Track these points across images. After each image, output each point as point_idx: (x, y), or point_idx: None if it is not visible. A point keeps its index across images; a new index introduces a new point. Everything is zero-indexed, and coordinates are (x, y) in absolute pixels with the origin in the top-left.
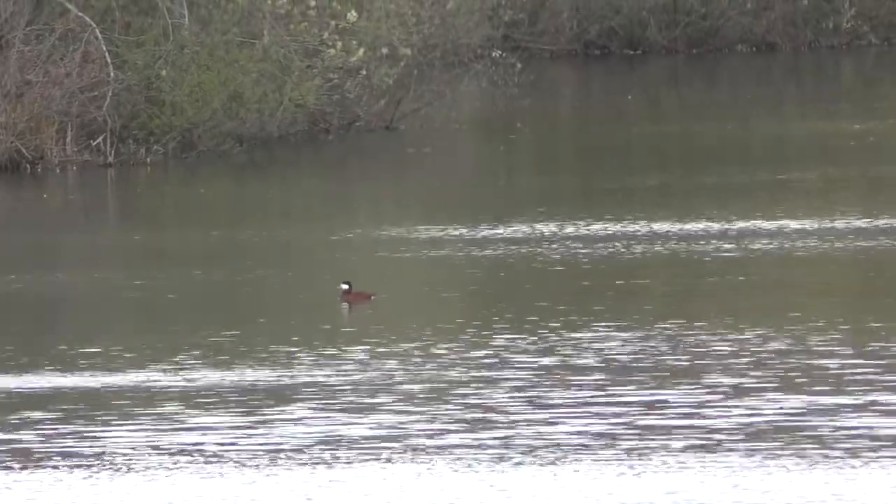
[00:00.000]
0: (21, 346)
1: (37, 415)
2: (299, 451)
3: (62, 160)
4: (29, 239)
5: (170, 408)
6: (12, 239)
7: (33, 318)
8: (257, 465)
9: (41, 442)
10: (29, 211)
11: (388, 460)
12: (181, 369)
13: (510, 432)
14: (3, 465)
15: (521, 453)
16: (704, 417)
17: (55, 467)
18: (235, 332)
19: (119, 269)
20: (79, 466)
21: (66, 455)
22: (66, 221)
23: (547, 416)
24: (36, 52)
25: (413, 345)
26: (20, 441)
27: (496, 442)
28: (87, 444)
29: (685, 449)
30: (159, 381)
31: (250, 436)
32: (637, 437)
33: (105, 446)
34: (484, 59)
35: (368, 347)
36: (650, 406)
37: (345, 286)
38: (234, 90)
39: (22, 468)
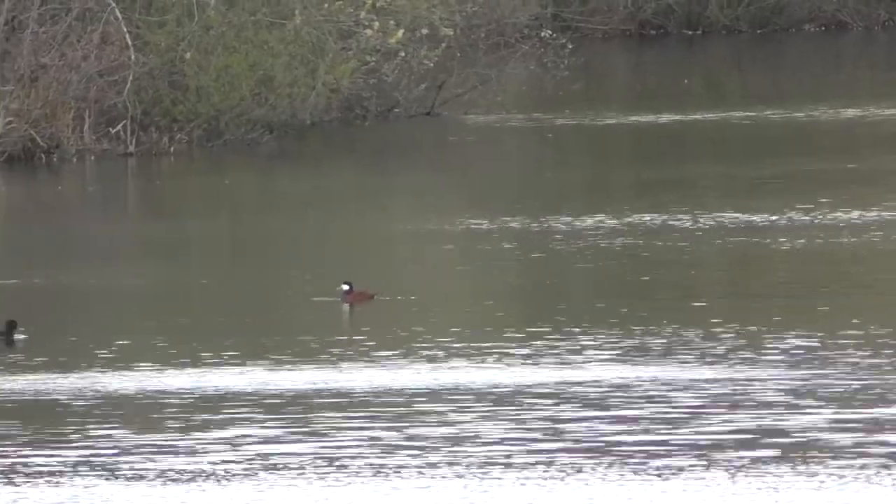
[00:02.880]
0: (78, 342)
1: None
2: (355, 458)
3: (79, 149)
4: (44, 233)
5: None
6: (27, 234)
7: (58, 313)
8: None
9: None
10: (44, 204)
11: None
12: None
13: (564, 441)
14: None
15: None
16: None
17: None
18: (260, 331)
19: (138, 264)
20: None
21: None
22: (84, 214)
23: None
24: (51, 34)
25: (461, 344)
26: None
27: (550, 449)
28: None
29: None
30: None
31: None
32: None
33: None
34: (531, 40)
35: (407, 349)
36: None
37: (345, 287)
38: (264, 74)
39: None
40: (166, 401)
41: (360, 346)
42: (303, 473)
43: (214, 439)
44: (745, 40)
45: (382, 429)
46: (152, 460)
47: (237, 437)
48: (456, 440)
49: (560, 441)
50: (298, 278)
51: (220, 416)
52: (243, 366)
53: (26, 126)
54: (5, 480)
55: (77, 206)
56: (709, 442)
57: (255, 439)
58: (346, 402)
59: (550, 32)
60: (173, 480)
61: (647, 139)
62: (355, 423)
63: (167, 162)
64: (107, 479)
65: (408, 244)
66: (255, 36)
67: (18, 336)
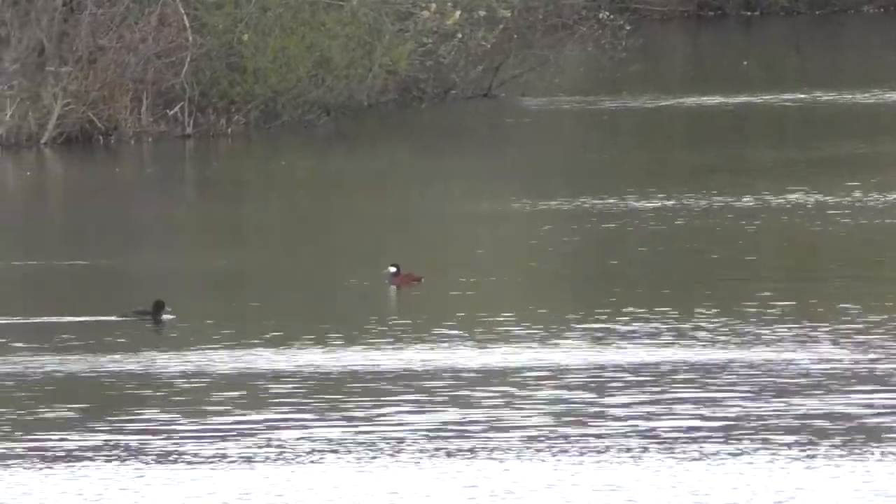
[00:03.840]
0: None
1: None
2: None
3: (137, 131)
4: (103, 215)
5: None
6: (86, 215)
7: (124, 294)
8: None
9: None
10: (102, 185)
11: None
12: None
13: (619, 423)
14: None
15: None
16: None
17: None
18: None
19: (197, 246)
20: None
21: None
22: (141, 196)
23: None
24: (109, 16)
25: (507, 328)
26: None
27: (606, 433)
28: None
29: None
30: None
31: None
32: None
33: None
34: (589, 22)
35: (476, 330)
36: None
37: (392, 269)
38: (321, 56)
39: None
40: (224, 381)
41: (403, 329)
42: (348, 456)
43: (263, 420)
44: (804, 22)
45: (424, 412)
46: (221, 441)
47: (282, 419)
48: (500, 424)
49: (612, 424)
50: (351, 260)
51: (266, 396)
52: (291, 347)
53: (84, 108)
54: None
55: (135, 188)
56: (769, 425)
57: (294, 422)
58: (387, 385)
59: (608, 14)
60: (247, 461)
61: (705, 121)
62: (398, 408)
63: (224, 144)
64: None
65: (461, 226)
66: (312, 17)
67: (166, 316)
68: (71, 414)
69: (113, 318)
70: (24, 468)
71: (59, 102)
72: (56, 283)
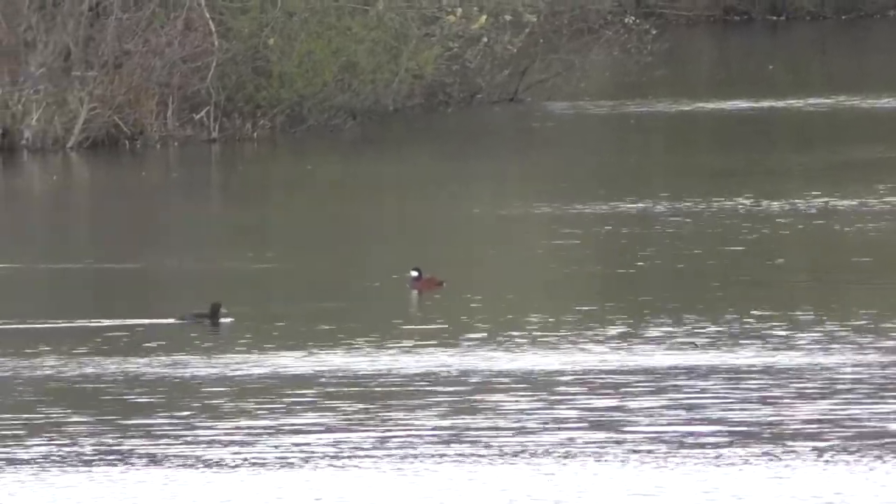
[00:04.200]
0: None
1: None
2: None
3: (163, 135)
4: (128, 219)
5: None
6: (111, 219)
7: (152, 297)
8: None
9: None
10: (128, 189)
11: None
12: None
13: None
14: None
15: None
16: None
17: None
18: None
19: (223, 249)
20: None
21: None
22: (168, 200)
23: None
24: (135, 20)
25: (526, 332)
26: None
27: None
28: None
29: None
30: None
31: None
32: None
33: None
34: (615, 26)
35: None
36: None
37: (414, 273)
38: (347, 60)
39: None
40: (261, 385)
41: (422, 334)
42: (378, 461)
43: (287, 425)
44: (830, 26)
45: (444, 416)
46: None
47: (305, 424)
48: (528, 428)
49: (643, 428)
50: (375, 264)
51: (291, 401)
52: (312, 351)
53: (110, 112)
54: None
55: (161, 192)
56: (803, 430)
57: (316, 427)
58: (411, 389)
59: (634, 18)
60: (290, 463)
61: (730, 125)
62: (425, 412)
63: (250, 148)
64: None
65: (486, 230)
66: (338, 22)
67: (224, 319)
68: (159, 419)
69: (171, 320)
70: (81, 470)
71: (86, 107)
72: (93, 287)
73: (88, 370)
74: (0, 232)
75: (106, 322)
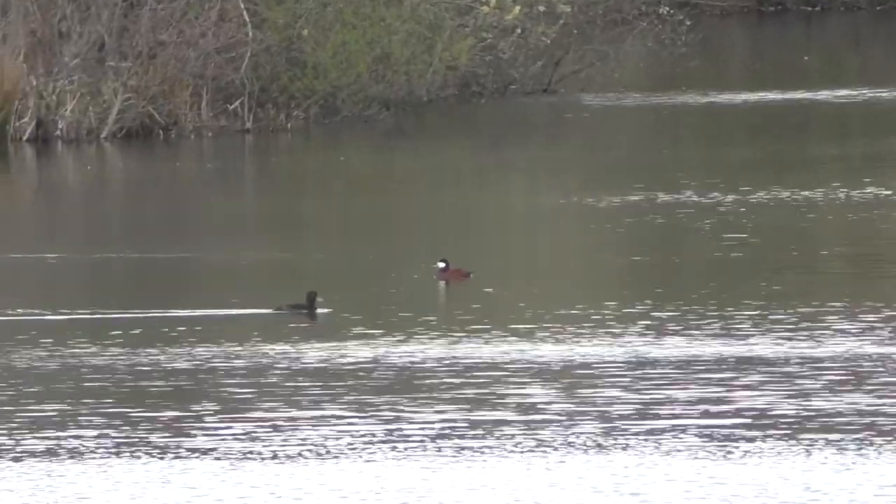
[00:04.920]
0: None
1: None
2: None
3: (197, 126)
4: (163, 210)
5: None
6: (146, 210)
7: (186, 287)
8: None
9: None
10: (163, 180)
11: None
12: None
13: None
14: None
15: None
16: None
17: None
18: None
19: (258, 240)
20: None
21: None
22: (203, 191)
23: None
24: (169, 11)
25: (549, 324)
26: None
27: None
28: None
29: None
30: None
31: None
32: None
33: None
34: (649, 17)
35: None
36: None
37: (441, 264)
38: (381, 51)
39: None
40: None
41: (445, 325)
42: (411, 452)
43: (314, 417)
44: (864, 17)
45: (479, 409)
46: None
47: (332, 416)
48: (560, 420)
49: (676, 419)
50: (406, 255)
51: (317, 394)
52: (337, 342)
53: (144, 103)
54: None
55: (196, 183)
56: (836, 422)
57: (331, 418)
58: (440, 381)
59: (668, 9)
60: (307, 457)
61: (765, 117)
62: (455, 405)
63: (284, 139)
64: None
65: (519, 221)
66: (372, 12)
67: (320, 309)
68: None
69: (268, 311)
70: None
71: (120, 97)
72: (148, 277)
73: (214, 362)
74: (39, 222)
75: (197, 313)
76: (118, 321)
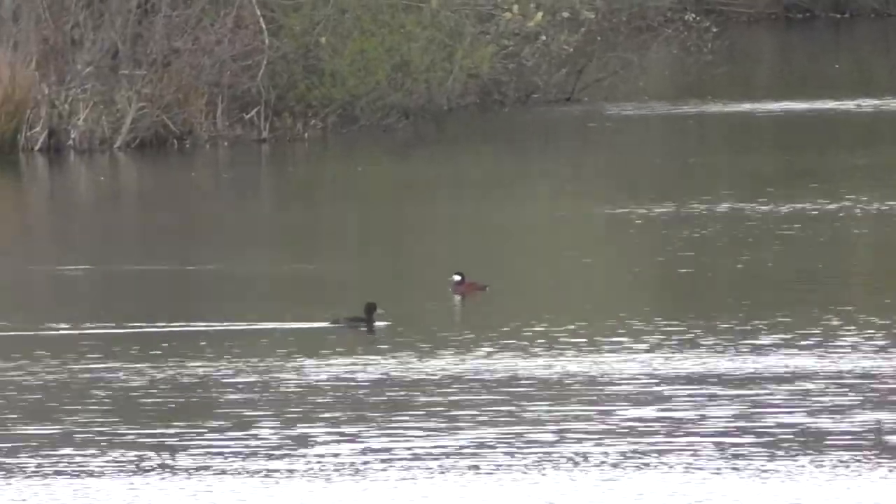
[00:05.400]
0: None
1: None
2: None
3: (212, 135)
4: (177, 221)
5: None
6: (160, 221)
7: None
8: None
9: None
10: (178, 190)
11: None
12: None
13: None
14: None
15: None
16: None
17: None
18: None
19: (275, 251)
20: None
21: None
22: (219, 201)
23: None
24: (184, 18)
25: (569, 339)
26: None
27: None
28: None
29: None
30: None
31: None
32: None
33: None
34: (675, 23)
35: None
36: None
37: (457, 277)
38: (400, 58)
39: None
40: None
41: (461, 341)
42: (430, 470)
43: (325, 433)
44: (894, 24)
45: (496, 425)
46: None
47: (350, 434)
48: (584, 437)
49: (706, 437)
50: (424, 267)
51: (332, 413)
52: (350, 356)
53: (158, 111)
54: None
55: (212, 193)
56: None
57: (348, 437)
58: (459, 397)
59: (694, 16)
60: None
61: (794, 126)
62: (473, 420)
63: (301, 148)
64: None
65: (540, 233)
66: (391, 19)
67: (379, 322)
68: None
69: (324, 324)
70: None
71: (133, 106)
72: (178, 289)
73: (289, 374)
74: (52, 234)
75: (257, 326)
76: (158, 334)
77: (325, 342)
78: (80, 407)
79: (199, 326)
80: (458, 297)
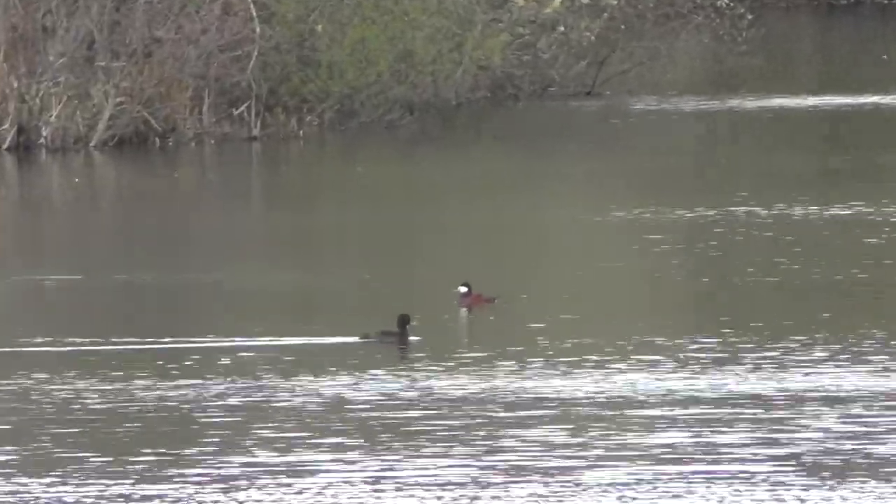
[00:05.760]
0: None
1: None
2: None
3: (197, 132)
4: (160, 228)
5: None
6: (140, 227)
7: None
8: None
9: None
10: (159, 193)
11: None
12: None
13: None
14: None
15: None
16: None
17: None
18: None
19: (267, 261)
20: None
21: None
22: (204, 206)
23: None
24: (167, 4)
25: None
26: None
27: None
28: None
29: None
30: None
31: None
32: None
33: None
34: (706, 10)
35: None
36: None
37: (463, 288)
38: (404, 48)
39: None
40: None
41: (471, 358)
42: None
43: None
44: None
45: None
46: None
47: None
48: (603, 461)
49: (736, 460)
50: (428, 277)
51: (331, 437)
52: (346, 374)
53: (139, 107)
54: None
55: (197, 197)
56: None
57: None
58: (473, 416)
59: (727, 1)
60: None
61: (836, 123)
62: (484, 442)
63: (295, 147)
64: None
65: (557, 239)
66: (394, 5)
67: (412, 337)
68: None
69: (353, 339)
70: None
71: (111, 101)
72: (156, 302)
73: (333, 390)
74: (22, 242)
75: (286, 341)
76: (156, 351)
77: (353, 358)
78: (61, 430)
79: (210, 342)
80: (464, 311)
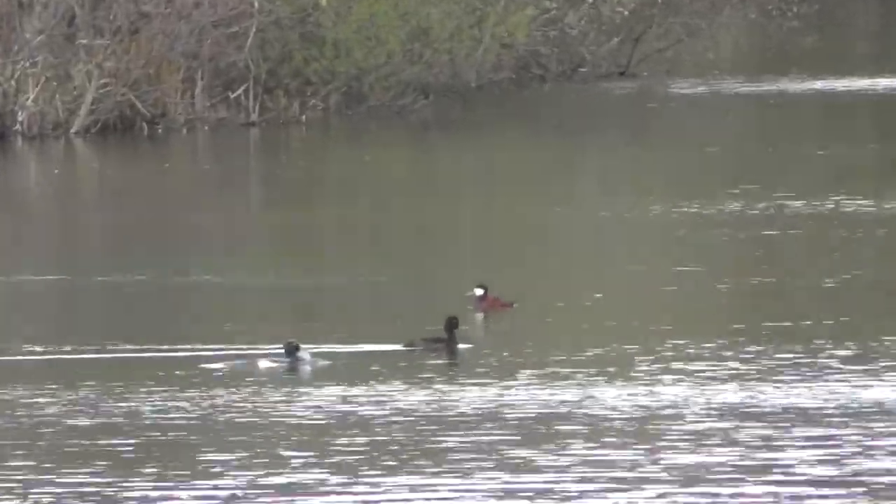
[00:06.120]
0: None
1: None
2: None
3: (189, 118)
4: (147, 221)
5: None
6: (127, 221)
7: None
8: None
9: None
10: (147, 185)
11: None
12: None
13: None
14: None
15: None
16: None
17: None
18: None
19: (267, 259)
20: None
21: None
22: (197, 198)
23: None
24: None
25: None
26: None
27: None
28: None
29: None
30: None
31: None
32: None
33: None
34: None
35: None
36: None
37: (479, 291)
38: (417, 25)
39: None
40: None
41: (486, 369)
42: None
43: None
44: None
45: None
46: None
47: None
48: (627, 482)
49: (779, 477)
50: (441, 277)
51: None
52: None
53: (124, 89)
54: None
55: (190, 188)
56: None
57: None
58: (490, 432)
59: None
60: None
61: (893, 107)
62: (503, 456)
63: (297, 133)
64: None
65: (584, 236)
66: None
67: (461, 345)
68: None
69: (397, 347)
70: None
71: (94, 83)
72: (150, 304)
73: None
74: None
75: (333, 348)
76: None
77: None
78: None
79: (217, 350)
80: (480, 315)
